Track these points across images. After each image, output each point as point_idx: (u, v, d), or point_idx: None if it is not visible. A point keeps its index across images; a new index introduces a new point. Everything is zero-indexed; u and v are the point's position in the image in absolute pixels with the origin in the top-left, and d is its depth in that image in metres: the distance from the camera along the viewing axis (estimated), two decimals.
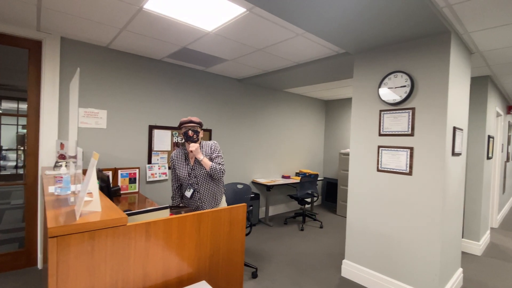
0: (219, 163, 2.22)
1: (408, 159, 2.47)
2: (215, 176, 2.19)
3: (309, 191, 4.72)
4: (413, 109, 2.45)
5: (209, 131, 4.15)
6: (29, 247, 2.81)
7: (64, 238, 1.01)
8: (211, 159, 2.23)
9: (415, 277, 2.41)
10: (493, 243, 4.11)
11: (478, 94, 3.73)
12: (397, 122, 2.56)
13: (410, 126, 2.46)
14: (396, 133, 2.56)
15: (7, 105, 3.39)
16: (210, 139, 4.16)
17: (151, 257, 1.24)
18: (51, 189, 1.64)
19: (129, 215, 1.30)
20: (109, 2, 2.04)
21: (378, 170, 2.68)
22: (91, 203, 1.21)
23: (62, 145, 2.56)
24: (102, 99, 3.11)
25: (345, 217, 5.26)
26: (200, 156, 2.16)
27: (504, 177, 5.67)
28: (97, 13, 2.23)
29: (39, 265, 2.82)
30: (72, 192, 1.55)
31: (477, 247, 3.68)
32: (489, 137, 3.89)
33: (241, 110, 4.62)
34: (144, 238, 1.22)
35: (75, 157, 1.46)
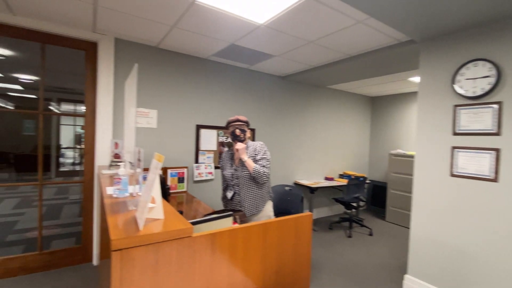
0: (263, 166, 2.05)
1: (493, 163, 2.09)
2: (258, 179, 2.03)
3: (357, 195, 4.38)
4: (499, 103, 2.06)
5: (253, 130, 4.03)
6: (85, 244, 2.91)
7: (128, 252, 0.91)
8: (255, 161, 2.07)
9: None
10: None
11: None
12: (478, 119, 2.18)
13: (495, 124, 2.08)
14: (477, 132, 2.18)
15: (65, 106, 3.58)
16: (253, 139, 4.03)
17: (216, 272, 1.11)
18: (109, 190, 1.60)
19: (192, 223, 1.18)
20: None
21: (452, 175, 2.32)
22: (153, 209, 1.11)
23: (116, 144, 2.58)
24: (152, 98, 3.14)
25: (397, 225, 4.82)
26: (245, 157, 2.02)
27: None
28: (150, 9, 2.20)
29: (95, 261, 2.91)
30: (130, 195, 1.49)
31: None
32: None
33: (284, 109, 4.43)
34: (209, 250, 1.09)
35: (133, 157, 1.38)
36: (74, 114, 2.76)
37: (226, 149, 3.69)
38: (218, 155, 3.65)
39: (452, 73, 2.32)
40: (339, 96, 5.33)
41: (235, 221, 1.48)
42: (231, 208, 2.13)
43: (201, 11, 2.20)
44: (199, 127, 3.48)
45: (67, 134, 3.01)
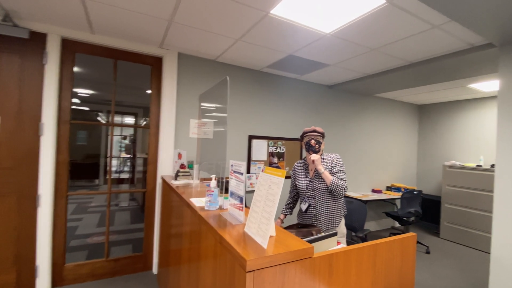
0: (342, 179, 1.97)
1: None
2: (335, 193, 1.94)
3: (411, 210, 4.11)
4: None
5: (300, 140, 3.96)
6: (146, 252, 2.97)
7: (260, 273, 0.87)
8: (332, 173, 1.99)
9: None
10: None
11: None
12: None
13: None
14: None
15: (116, 118, 3.74)
16: (301, 148, 3.95)
17: None
18: (196, 202, 1.60)
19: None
20: (237, 9, 2.00)
21: None
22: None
23: (180, 155, 2.63)
24: (209, 110, 3.20)
25: (454, 242, 4.45)
26: (322, 168, 1.95)
27: None
28: (220, 22, 2.24)
29: (154, 269, 2.95)
30: (219, 207, 1.48)
31: None
32: None
33: (329, 118, 4.33)
34: (327, 273, 1.02)
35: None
36: (141, 126, 2.85)
37: (275, 159, 3.64)
38: (269, 165, 3.60)
39: None
40: (385, 105, 5.13)
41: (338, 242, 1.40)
42: (304, 221, 2.06)
43: (272, 23, 2.20)
44: (251, 138, 3.48)
45: (114, 145, 3.18)
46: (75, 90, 2.78)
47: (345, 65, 3.21)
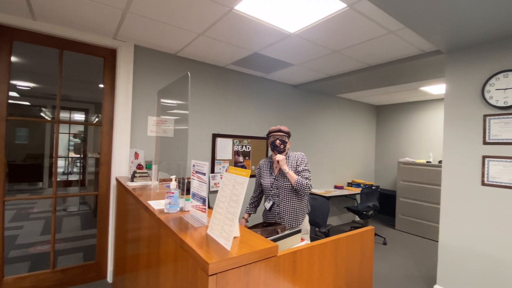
0: (306, 178, 1.99)
1: None
2: (300, 192, 1.96)
3: (370, 204, 4.36)
4: None
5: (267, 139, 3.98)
6: (100, 260, 2.74)
7: (223, 275, 0.83)
8: (297, 172, 2.01)
9: None
10: None
11: None
12: (510, 128, 2.20)
13: None
14: (509, 141, 2.20)
15: (62, 115, 3.42)
16: (267, 147, 3.97)
17: None
18: (155, 204, 1.50)
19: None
20: (199, 2, 1.92)
21: (484, 184, 2.32)
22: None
23: (136, 155, 2.47)
24: (169, 107, 3.05)
25: (408, 233, 4.81)
26: (286, 168, 1.96)
27: None
28: (182, 15, 2.13)
29: (109, 278, 2.74)
30: (181, 209, 1.40)
31: None
32: None
33: (294, 117, 4.41)
34: (291, 271, 1.01)
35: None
36: (91, 124, 2.61)
37: (241, 158, 3.61)
38: (234, 164, 3.55)
39: (481, 83, 2.34)
40: (347, 105, 5.37)
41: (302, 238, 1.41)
42: (269, 219, 2.05)
43: (235, 20, 2.16)
44: (215, 136, 3.40)
45: (61, 144, 2.89)
46: (13, 82, 2.47)
47: (309, 66, 3.28)
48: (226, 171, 1.06)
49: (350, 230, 4.45)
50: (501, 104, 2.23)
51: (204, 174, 1.15)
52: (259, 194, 2.26)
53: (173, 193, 1.32)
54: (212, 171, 3.37)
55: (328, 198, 4.33)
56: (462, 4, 1.69)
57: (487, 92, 2.30)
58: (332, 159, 5.11)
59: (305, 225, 2.06)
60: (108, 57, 2.72)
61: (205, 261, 0.82)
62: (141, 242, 1.67)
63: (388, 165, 5.80)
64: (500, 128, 2.25)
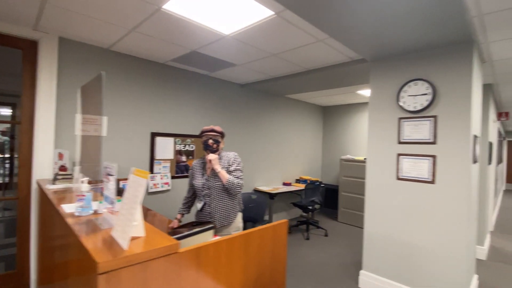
0: (238, 177, 2.06)
1: (431, 167, 2.44)
2: (231, 191, 2.03)
3: (313, 199, 4.64)
4: (435, 117, 2.43)
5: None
6: (20, 269, 2.52)
7: (115, 274, 0.85)
8: (229, 172, 2.08)
9: (439, 287, 2.36)
10: (493, 246, 4.19)
11: (483, 102, 3.82)
12: (418, 130, 2.52)
13: (432, 134, 2.44)
14: (417, 141, 2.52)
15: None
16: None
17: (202, 286, 1.09)
18: (67, 208, 1.44)
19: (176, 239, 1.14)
20: (127, 0, 1.87)
21: (398, 179, 2.63)
22: (134, 227, 1.04)
23: (60, 155, 2.32)
24: (91, 105, 2.90)
25: (349, 224, 5.22)
26: (218, 168, 2.01)
27: (496, 181, 5.87)
28: (107, 10, 2.05)
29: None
30: (94, 212, 1.37)
31: (483, 251, 3.72)
32: (490, 143, 3.99)
33: (243, 116, 4.50)
34: (195, 265, 1.06)
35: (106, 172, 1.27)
36: (6, 121, 2.36)
37: (184, 157, 3.57)
38: (176, 164, 3.50)
39: (397, 90, 2.65)
40: (295, 105, 5.62)
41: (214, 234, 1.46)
42: (201, 219, 2.08)
43: (167, 19, 2.14)
44: (154, 135, 3.30)
45: None
46: None
47: (252, 67, 3.38)
48: (132, 173, 1.07)
49: (296, 224, 4.73)
50: (411, 108, 2.54)
51: (113, 175, 1.14)
52: (192, 194, 2.28)
53: (84, 195, 1.29)
54: (151, 171, 3.28)
55: (275, 194, 4.51)
56: (380, 19, 1.90)
57: (401, 98, 2.60)
58: (280, 157, 5.31)
59: (237, 222, 2.13)
60: (28, 49, 2.49)
61: (94, 260, 0.83)
62: (59, 248, 1.59)
63: (333, 162, 6.22)
64: (411, 130, 2.57)
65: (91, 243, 0.97)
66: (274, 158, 5.16)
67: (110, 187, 1.18)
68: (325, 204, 6.17)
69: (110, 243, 0.97)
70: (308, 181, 5.37)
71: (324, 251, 3.81)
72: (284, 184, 5.31)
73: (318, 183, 4.68)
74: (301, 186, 5.18)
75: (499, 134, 6.98)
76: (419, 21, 1.91)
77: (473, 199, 2.51)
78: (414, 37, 2.21)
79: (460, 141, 2.30)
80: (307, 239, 4.30)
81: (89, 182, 1.44)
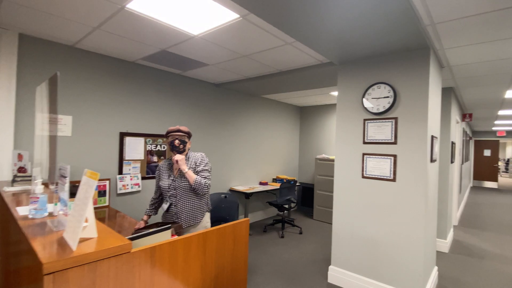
0: (205, 177, 2.08)
1: (392, 166, 2.58)
2: (198, 191, 2.04)
3: (289, 197, 4.74)
4: (396, 118, 2.57)
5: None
6: None
7: (62, 274, 0.86)
8: (196, 172, 2.09)
9: (400, 278, 2.50)
10: (456, 240, 4.47)
11: (443, 104, 4.07)
12: (381, 130, 2.66)
13: (393, 135, 2.58)
14: (380, 141, 2.66)
15: None
16: None
17: (157, 285, 1.11)
18: (21, 210, 1.41)
19: (130, 239, 1.15)
20: None
21: (363, 177, 2.76)
22: (86, 228, 1.05)
23: (20, 156, 2.24)
24: (66, 103, 2.82)
25: (323, 222, 5.37)
26: (185, 168, 2.02)
27: (460, 178, 6.25)
28: (68, 7, 2.00)
29: None
30: (49, 214, 1.34)
31: (445, 244, 3.96)
32: (452, 143, 4.25)
33: (218, 116, 4.51)
34: (149, 264, 1.08)
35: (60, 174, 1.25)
36: None
37: (155, 158, 3.54)
38: (147, 165, 3.46)
39: (362, 92, 2.77)
40: (272, 105, 5.70)
41: (173, 234, 1.48)
42: (167, 220, 2.09)
43: (132, 18, 2.12)
44: (123, 135, 3.25)
45: None
46: None
47: (224, 67, 3.40)
48: (84, 175, 1.07)
49: (273, 223, 4.81)
50: (375, 110, 2.67)
51: (66, 177, 1.13)
52: (159, 195, 2.27)
53: (38, 197, 1.27)
54: (120, 172, 3.23)
55: (251, 194, 4.56)
56: (342, 24, 1.98)
57: (366, 100, 2.73)
58: (257, 156, 5.37)
59: (204, 222, 2.15)
60: None
61: (40, 261, 0.83)
62: (16, 253, 1.54)
63: (309, 161, 6.36)
64: (374, 130, 2.70)
65: (40, 245, 0.97)
66: (250, 158, 5.21)
67: (65, 189, 1.17)
68: (302, 202, 6.31)
69: (61, 245, 0.97)
70: (284, 180, 5.47)
71: (298, 249, 3.91)
72: (261, 183, 5.37)
73: (293, 182, 4.78)
74: (277, 185, 5.26)
75: (465, 134, 7.42)
76: (378, 27, 2.02)
77: (432, 195, 2.68)
78: (377, 43, 2.32)
79: (418, 141, 2.45)
80: (282, 237, 4.38)
81: (47, 184, 1.42)
